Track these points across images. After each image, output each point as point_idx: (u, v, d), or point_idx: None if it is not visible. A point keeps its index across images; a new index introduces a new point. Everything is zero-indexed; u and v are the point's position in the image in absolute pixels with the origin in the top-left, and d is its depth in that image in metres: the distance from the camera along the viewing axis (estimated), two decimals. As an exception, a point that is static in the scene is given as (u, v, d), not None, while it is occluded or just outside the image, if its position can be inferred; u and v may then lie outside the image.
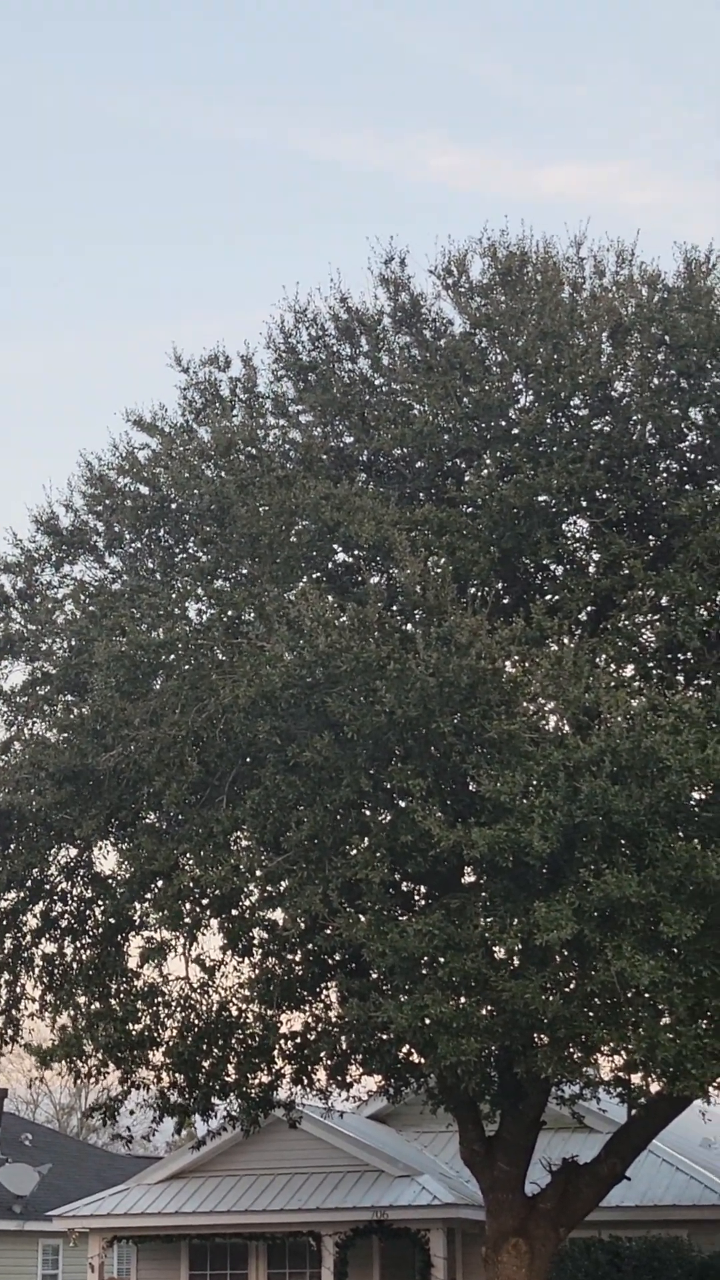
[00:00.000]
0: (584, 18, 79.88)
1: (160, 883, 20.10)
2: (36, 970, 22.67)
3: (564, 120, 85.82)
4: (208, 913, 20.67)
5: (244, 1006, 21.88)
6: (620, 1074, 20.36)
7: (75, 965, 22.25)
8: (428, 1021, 18.30)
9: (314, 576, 20.22)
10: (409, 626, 18.72)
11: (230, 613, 19.64)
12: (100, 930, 22.18)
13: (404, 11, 77.31)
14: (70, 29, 78.72)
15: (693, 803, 18.31)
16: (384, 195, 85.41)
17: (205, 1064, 21.97)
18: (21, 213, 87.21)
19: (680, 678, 20.36)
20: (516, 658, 18.44)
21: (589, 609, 20.51)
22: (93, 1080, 22.60)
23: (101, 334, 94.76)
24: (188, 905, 20.07)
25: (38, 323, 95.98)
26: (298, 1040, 22.14)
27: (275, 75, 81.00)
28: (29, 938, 22.59)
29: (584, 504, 20.39)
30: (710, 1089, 19.02)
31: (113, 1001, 21.61)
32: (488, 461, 20.53)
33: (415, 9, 76.61)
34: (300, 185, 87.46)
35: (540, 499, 20.00)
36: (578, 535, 20.94)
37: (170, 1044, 21.77)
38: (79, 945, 22.50)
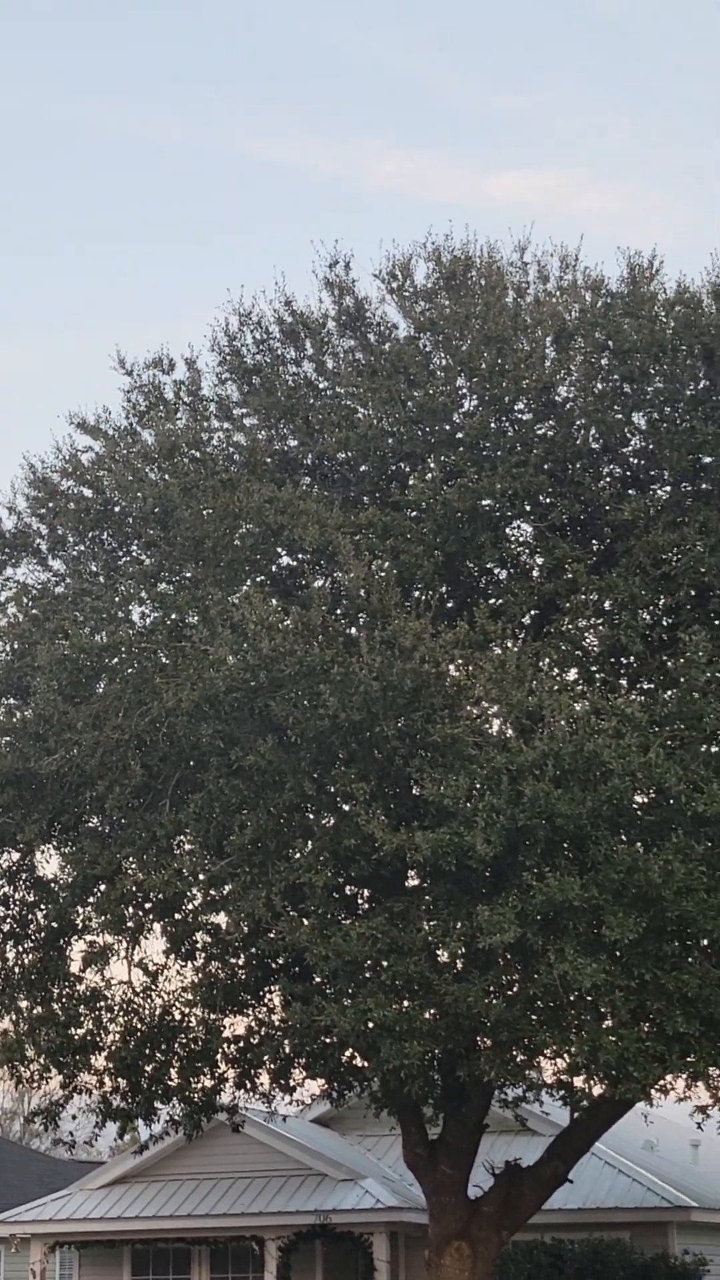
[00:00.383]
0: (532, 26, 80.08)
1: (103, 887, 20.04)
2: (-23, 975, 22.53)
3: (512, 127, 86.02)
4: (150, 917, 20.62)
5: (187, 1011, 21.82)
6: (563, 1077, 20.40)
7: (17, 970, 22.13)
8: (371, 1025, 18.31)
9: (258, 580, 20.21)
10: (353, 630, 18.72)
11: (174, 616, 19.60)
12: (42, 934, 22.08)
13: (351, 17, 77.39)
14: (14, 29, 78.44)
15: (635, 806, 18.38)
16: (332, 200, 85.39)
17: (148, 1068, 21.91)
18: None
19: (623, 682, 20.44)
20: (460, 661, 18.47)
21: (532, 613, 20.57)
22: (35, 1085, 22.51)
23: (45, 338, 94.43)
24: (130, 909, 20.02)
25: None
26: (241, 1044, 22.11)
27: (223, 78, 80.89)
28: (-30, 942, 22.45)
29: (528, 508, 20.45)
30: (652, 1092, 19.05)
31: (55, 1006, 21.53)
32: (432, 465, 20.57)
33: (362, 15, 76.72)
34: (247, 189, 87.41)
35: (484, 503, 20.05)
36: (521, 539, 21.00)
37: (113, 1048, 21.71)
38: (20, 950, 22.37)
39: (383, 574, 19.07)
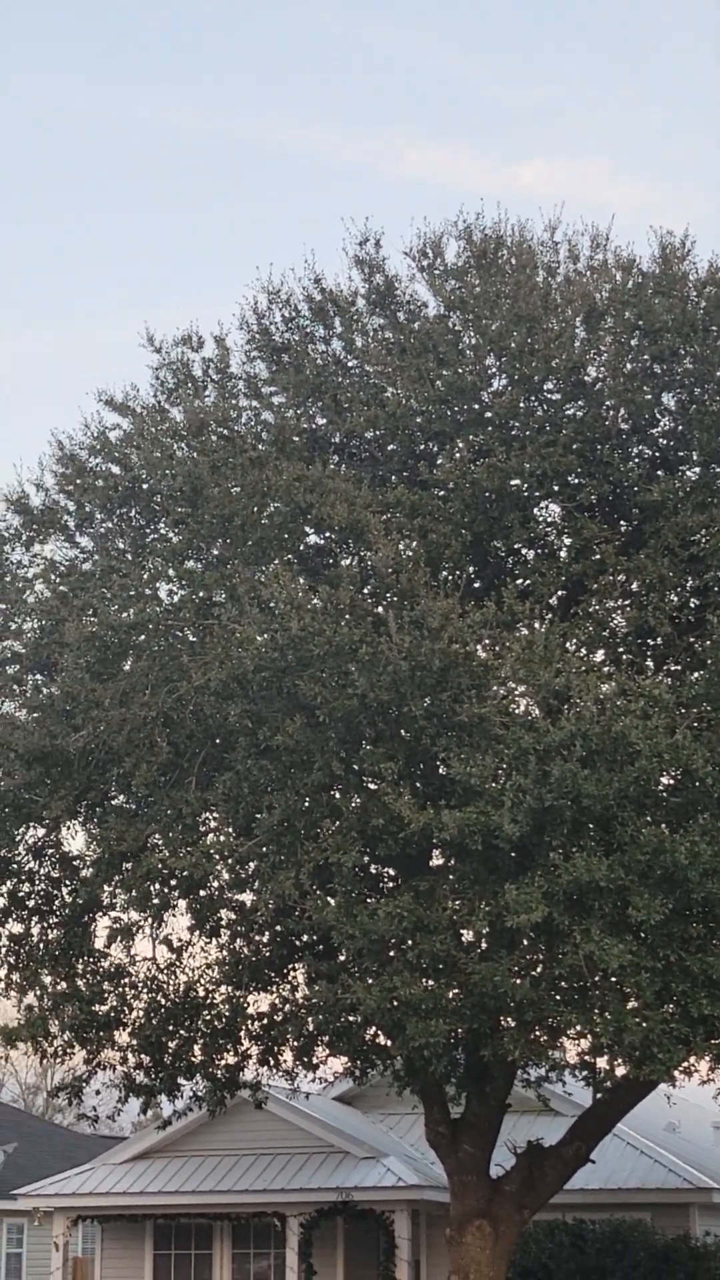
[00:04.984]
0: (556, 15, 79.77)
1: (129, 864, 20.06)
2: (2, 950, 22.57)
3: (538, 117, 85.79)
4: (175, 894, 20.63)
5: (211, 987, 21.87)
6: (586, 1057, 20.41)
7: (42, 945, 22.17)
8: (396, 1003, 18.31)
9: (286, 558, 20.17)
10: (380, 609, 18.69)
11: (201, 594, 19.58)
12: (67, 911, 22.12)
13: (378, 8, 77.14)
14: (43, 19, 78.38)
15: (661, 788, 18.35)
16: (360, 189, 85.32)
17: (171, 1044, 21.96)
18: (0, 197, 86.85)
19: (650, 663, 20.40)
20: (487, 641, 18.43)
21: (560, 593, 20.53)
22: (59, 1060, 22.56)
23: (75, 316, 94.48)
24: (156, 886, 20.02)
25: (9, 304, 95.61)
26: (264, 1021, 22.16)
27: (252, 69, 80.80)
28: (-5, 917, 22.51)
29: (556, 488, 20.38)
30: (675, 1073, 19.02)
31: (79, 982, 21.57)
32: (460, 445, 20.51)
33: (388, 5, 76.46)
34: (277, 180, 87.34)
35: (513, 483, 19.99)
36: (549, 520, 20.95)
37: (136, 1025, 21.76)
38: (45, 925, 22.43)
39: (410, 553, 19.03)
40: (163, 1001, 21.82)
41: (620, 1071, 19.77)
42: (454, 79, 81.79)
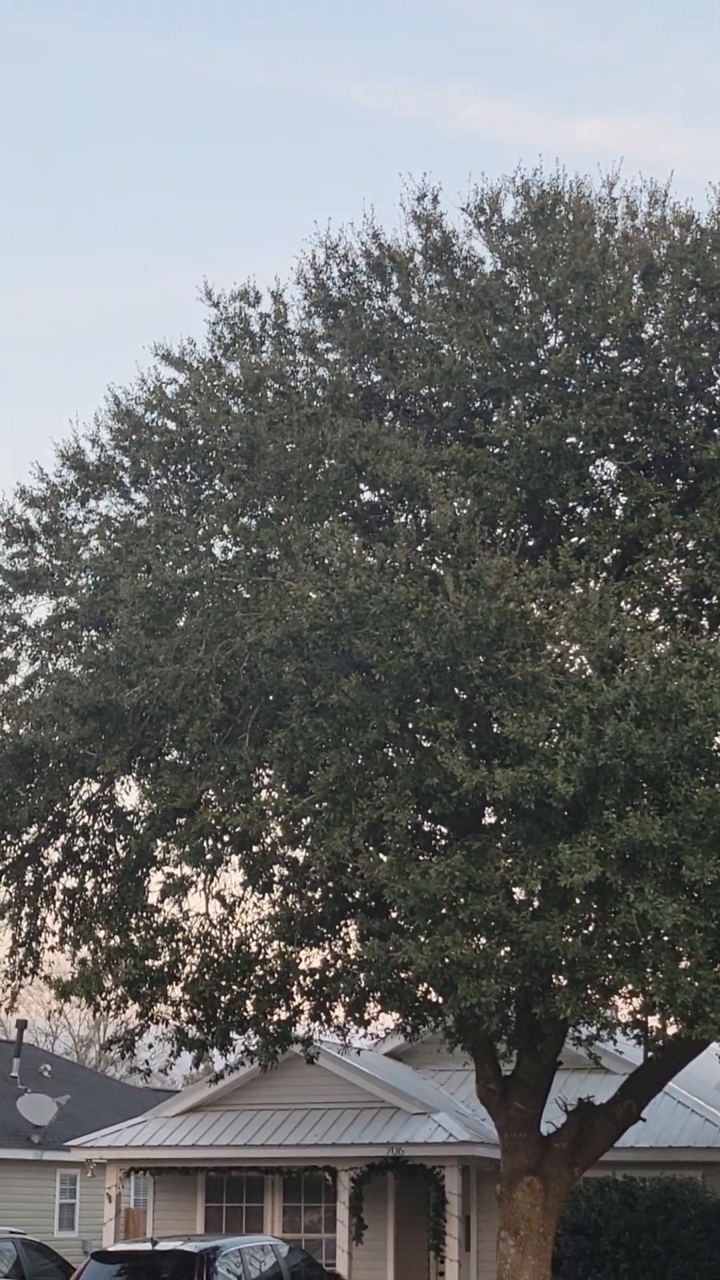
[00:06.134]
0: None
1: (182, 819, 20.12)
2: (57, 904, 22.71)
3: (597, 72, 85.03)
4: (228, 849, 20.69)
5: (263, 943, 21.93)
6: (638, 1016, 20.40)
7: (95, 900, 22.29)
8: (448, 962, 18.32)
9: (340, 515, 20.15)
10: (436, 568, 18.65)
11: (256, 550, 19.58)
12: (121, 866, 22.21)
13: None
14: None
15: (715, 748, 18.27)
16: (418, 144, 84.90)
17: (224, 999, 22.03)
18: (60, 153, 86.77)
19: (705, 622, 20.30)
20: (542, 600, 18.38)
21: (615, 552, 20.43)
22: (112, 1014, 22.69)
23: (134, 271, 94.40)
24: (209, 842, 20.09)
25: (68, 257, 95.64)
26: (316, 977, 22.22)
27: (313, 23, 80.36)
28: (50, 872, 22.62)
29: (612, 446, 20.28)
30: (728, 1033, 19.01)
31: (132, 937, 21.64)
32: (516, 402, 20.42)
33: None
34: (337, 134, 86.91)
35: (568, 441, 19.90)
36: (605, 478, 20.85)
37: (189, 979, 21.84)
38: (100, 880, 22.54)
39: (465, 511, 18.97)
40: (215, 956, 21.90)
41: (672, 1030, 19.79)
42: (515, 33, 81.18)
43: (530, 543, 20.26)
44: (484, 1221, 30.35)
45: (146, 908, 21.92)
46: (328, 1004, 22.72)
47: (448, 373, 20.60)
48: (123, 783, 21.91)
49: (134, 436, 21.41)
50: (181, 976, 21.93)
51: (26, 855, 22.41)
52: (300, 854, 20.65)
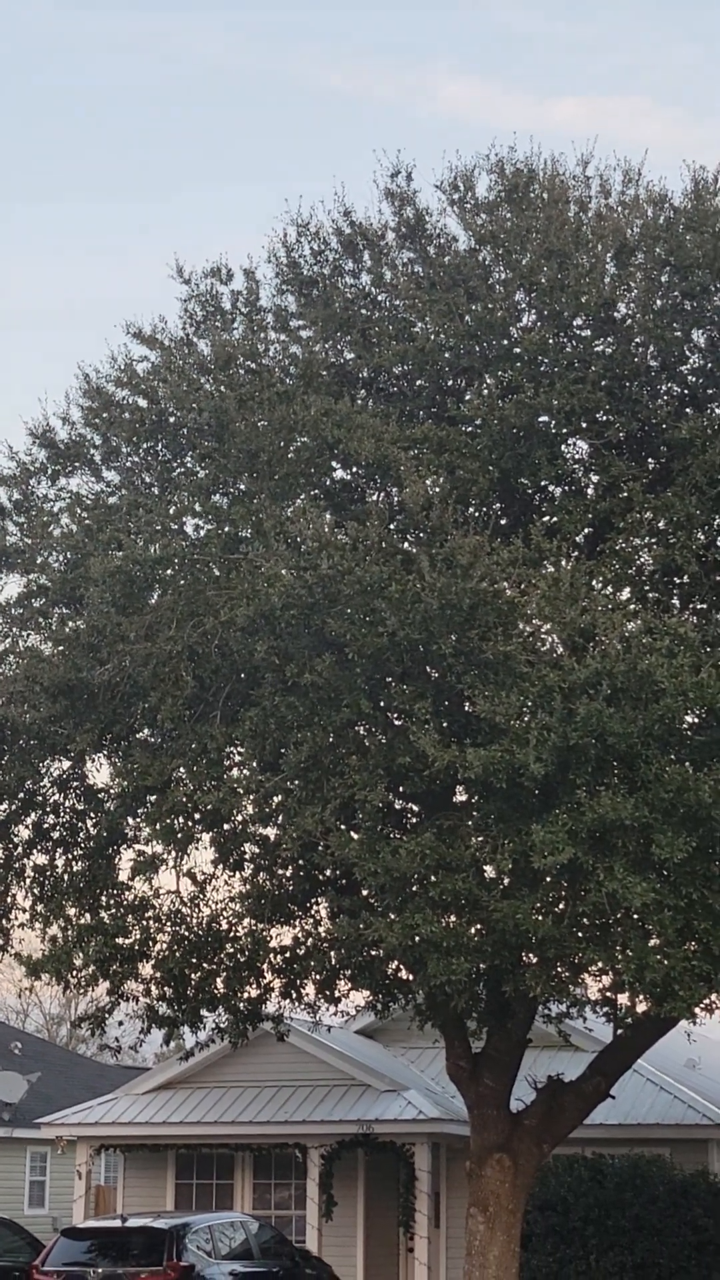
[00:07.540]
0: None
1: (153, 797, 20.10)
2: (27, 881, 22.67)
3: (572, 53, 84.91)
4: (199, 827, 20.68)
5: (234, 920, 21.94)
6: (608, 994, 20.46)
7: (66, 877, 22.26)
8: (418, 940, 18.36)
9: (312, 494, 20.12)
10: (408, 546, 18.63)
11: (227, 529, 19.54)
12: (92, 843, 22.19)
13: None
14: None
15: (686, 726, 18.32)
16: (393, 124, 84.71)
17: (194, 977, 22.02)
18: (21, 125, 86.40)
19: (676, 601, 20.35)
20: (514, 579, 18.38)
21: (587, 531, 20.45)
22: (82, 991, 22.67)
23: (105, 250, 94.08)
24: (180, 820, 20.07)
25: (38, 235, 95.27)
26: (287, 955, 22.22)
27: (288, 1, 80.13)
28: (20, 849, 22.57)
29: (584, 425, 20.28)
30: (697, 1010, 19.09)
31: (103, 914, 21.65)
32: (489, 381, 20.40)
33: None
34: (311, 114, 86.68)
35: (540, 419, 19.89)
36: (577, 457, 20.85)
37: (160, 957, 21.82)
38: (70, 857, 22.50)
39: (437, 489, 18.96)
40: (186, 934, 21.89)
41: (641, 1008, 19.85)
42: (490, 14, 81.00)
43: (502, 521, 20.25)
44: (454, 1198, 30.45)
45: (117, 885, 21.90)
46: (298, 981, 22.72)
47: (420, 351, 20.58)
48: (93, 760, 21.86)
49: (105, 414, 21.33)
50: (152, 954, 21.90)
51: (-3, 832, 22.35)
52: (271, 832, 20.64)
